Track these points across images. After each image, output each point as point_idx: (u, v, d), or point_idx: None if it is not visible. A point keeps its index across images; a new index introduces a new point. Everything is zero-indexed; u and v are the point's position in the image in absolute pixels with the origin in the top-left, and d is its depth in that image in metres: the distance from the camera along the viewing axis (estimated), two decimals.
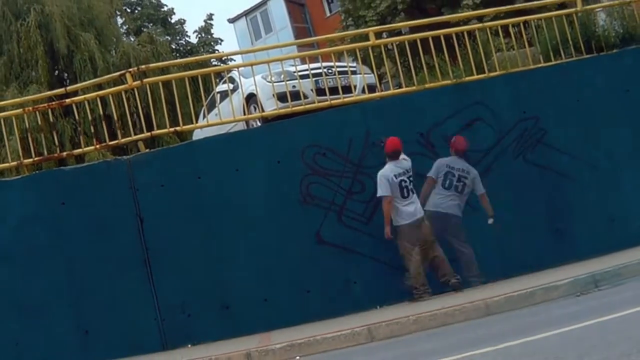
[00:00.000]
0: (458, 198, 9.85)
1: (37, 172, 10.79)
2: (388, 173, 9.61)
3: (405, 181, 9.59)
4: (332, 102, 10.68)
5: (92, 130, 11.45)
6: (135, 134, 10.88)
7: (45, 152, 11.31)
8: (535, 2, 13.69)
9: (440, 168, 9.91)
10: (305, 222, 9.91)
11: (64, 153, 12.05)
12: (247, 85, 11.34)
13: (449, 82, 10.91)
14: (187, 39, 34.06)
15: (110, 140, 10.97)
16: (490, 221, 9.78)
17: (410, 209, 9.56)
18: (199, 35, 33.76)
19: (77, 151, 11.68)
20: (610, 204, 10.47)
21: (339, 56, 12.46)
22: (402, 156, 9.75)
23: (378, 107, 10.67)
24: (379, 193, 9.62)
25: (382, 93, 11.83)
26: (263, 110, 10.93)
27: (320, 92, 10.91)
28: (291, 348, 7.79)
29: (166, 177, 9.88)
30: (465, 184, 9.85)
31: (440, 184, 9.87)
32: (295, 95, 10.76)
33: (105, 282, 9.46)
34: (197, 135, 12.92)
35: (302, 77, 10.90)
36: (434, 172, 9.91)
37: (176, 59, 27.03)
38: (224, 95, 11.60)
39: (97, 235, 9.58)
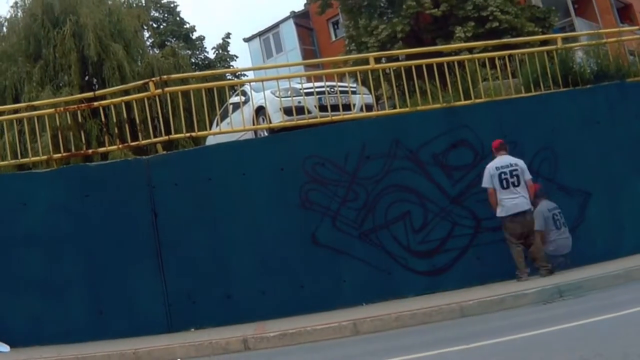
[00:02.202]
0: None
1: (64, 166, 10.80)
2: (490, 165, 9.71)
3: (506, 174, 9.59)
4: (333, 118, 10.71)
5: (116, 131, 11.47)
6: (154, 137, 10.89)
7: (73, 149, 11.35)
8: (520, 38, 13.73)
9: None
10: (303, 224, 9.91)
11: (90, 150, 12.08)
12: (257, 98, 11.38)
13: (439, 105, 10.92)
14: (206, 54, 34.09)
15: (131, 141, 10.98)
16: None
17: (509, 203, 9.55)
18: (217, 52, 33.77)
19: (101, 149, 11.68)
20: (577, 223, 10.49)
21: (341, 77, 12.49)
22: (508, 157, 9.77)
23: (374, 124, 10.70)
24: (482, 184, 9.75)
25: (378, 112, 11.88)
26: (270, 122, 10.96)
27: (322, 108, 10.94)
28: (284, 337, 7.80)
29: (180, 177, 9.89)
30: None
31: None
32: (300, 110, 10.79)
33: (121, 269, 9.47)
34: (210, 141, 12.94)
35: (307, 94, 10.93)
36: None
37: (195, 71, 27.06)
38: (236, 106, 11.62)
39: (116, 226, 9.60)
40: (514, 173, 9.65)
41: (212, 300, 9.59)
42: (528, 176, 9.77)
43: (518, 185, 9.64)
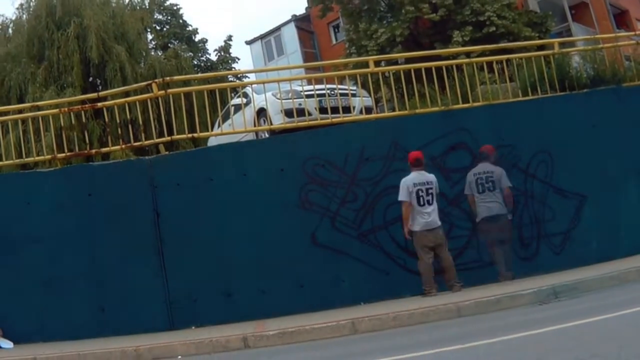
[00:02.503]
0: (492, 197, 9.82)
1: (68, 165, 10.80)
2: (408, 181, 9.58)
3: (422, 191, 9.51)
4: (333, 120, 10.72)
5: (119, 131, 11.45)
6: (156, 138, 10.89)
7: (76, 149, 11.33)
8: (517, 43, 13.73)
9: (468, 179, 9.94)
10: (303, 224, 9.92)
11: (93, 150, 12.06)
12: (258, 100, 11.39)
13: (437, 108, 10.94)
14: (208, 56, 34.05)
15: (134, 142, 10.98)
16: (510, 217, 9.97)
17: (424, 219, 9.46)
18: (219, 54, 33.76)
19: (104, 150, 11.66)
20: (573, 225, 10.50)
21: (341, 80, 12.50)
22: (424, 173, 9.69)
23: (373, 127, 10.70)
24: (399, 197, 9.59)
25: (378, 115, 11.88)
26: (271, 124, 10.96)
27: (323, 110, 10.95)
28: (283, 335, 7.80)
29: (182, 177, 9.90)
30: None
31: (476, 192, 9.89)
32: (301, 112, 10.80)
33: (123, 267, 9.48)
34: (212, 142, 12.96)
35: (308, 96, 10.94)
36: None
37: (197, 73, 27.06)
38: (238, 108, 11.64)
39: (118, 225, 9.60)
40: (430, 191, 9.57)
41: (212, 298, 9.60)
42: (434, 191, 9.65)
43: (432, 203, 9.55)
